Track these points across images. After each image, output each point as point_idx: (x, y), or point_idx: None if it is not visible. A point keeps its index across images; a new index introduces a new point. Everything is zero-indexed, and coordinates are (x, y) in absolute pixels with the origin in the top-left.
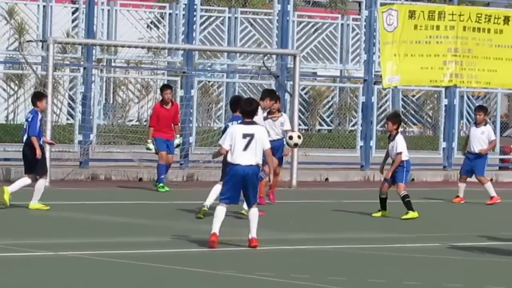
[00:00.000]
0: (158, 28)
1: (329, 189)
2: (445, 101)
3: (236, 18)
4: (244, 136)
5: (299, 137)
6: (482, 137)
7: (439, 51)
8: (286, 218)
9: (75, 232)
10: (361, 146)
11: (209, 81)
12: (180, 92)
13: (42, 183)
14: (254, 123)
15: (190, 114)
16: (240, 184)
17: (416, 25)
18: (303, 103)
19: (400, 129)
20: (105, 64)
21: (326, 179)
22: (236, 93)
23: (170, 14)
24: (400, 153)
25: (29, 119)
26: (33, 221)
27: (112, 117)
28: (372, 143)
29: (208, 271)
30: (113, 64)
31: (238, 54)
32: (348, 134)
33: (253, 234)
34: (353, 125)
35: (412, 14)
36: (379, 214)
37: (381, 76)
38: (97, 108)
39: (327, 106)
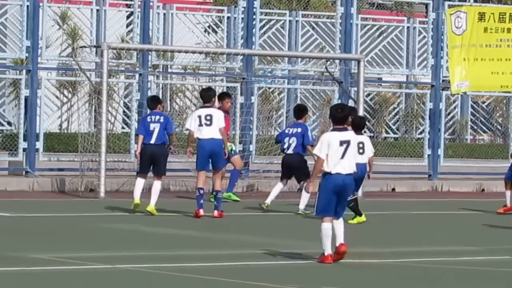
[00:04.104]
0: (216, 32)
1: (396, 199)
2: None
3: (297, 21)
4: (341, 143)
5: None
6: None
7: (510, 55)
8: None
9: (129, 244)
10: (428, 155)
11: (269, 88)
12: (240, 99)
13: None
14: (347, 129)
15: (250, 121)
16: (336, 195)
17: (486, 27)
18: (368, 109)
19: (470, 137)
20: (161, 70)
21: (393, 189)
22: (298, 100)
23: (228, 17)
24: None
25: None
26: (87, 233)
27: None
28: (440, 151)
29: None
30: (169, 70)
31: (299, 59)
32: (415, 142)
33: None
34: (420, 133)
35: (481, 17)
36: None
37: (449, 82)
38: None
39: (393, 113)
